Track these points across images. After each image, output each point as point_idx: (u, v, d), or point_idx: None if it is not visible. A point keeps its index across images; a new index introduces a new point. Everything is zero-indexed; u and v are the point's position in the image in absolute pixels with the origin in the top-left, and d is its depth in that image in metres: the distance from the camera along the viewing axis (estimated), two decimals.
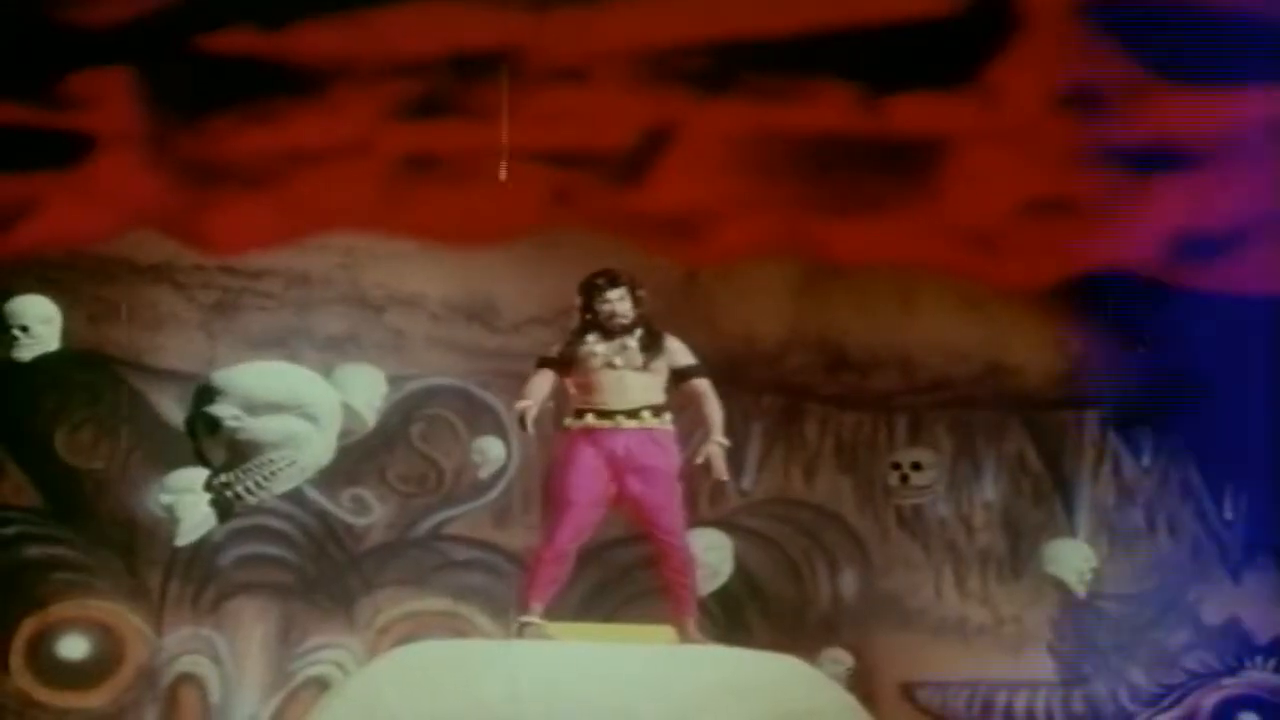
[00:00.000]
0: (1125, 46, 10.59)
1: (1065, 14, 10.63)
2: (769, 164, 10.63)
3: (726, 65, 10.62)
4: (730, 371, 7.88)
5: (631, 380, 6.97)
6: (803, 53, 10.48)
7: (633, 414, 6.89)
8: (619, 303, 6.97)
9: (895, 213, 10.58)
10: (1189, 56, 10.48)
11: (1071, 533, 10.94)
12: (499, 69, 10.19)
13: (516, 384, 7.23)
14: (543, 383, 6.97)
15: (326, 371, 9.93)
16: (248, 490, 9.33)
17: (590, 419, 6.89)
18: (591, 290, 6.99)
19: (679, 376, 7.02)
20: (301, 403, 9.28)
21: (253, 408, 9.19)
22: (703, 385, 7.04)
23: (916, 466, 10.97)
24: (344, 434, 9.57)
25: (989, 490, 10.99)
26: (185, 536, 9.88)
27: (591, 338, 6.95)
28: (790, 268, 10.64)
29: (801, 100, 10.66)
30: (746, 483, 10.75)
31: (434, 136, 10.53)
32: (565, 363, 6.99)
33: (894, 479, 10.97)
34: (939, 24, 10.49)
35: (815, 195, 10.60)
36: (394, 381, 10.49)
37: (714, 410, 7.02)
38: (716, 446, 6.99)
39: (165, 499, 9.92)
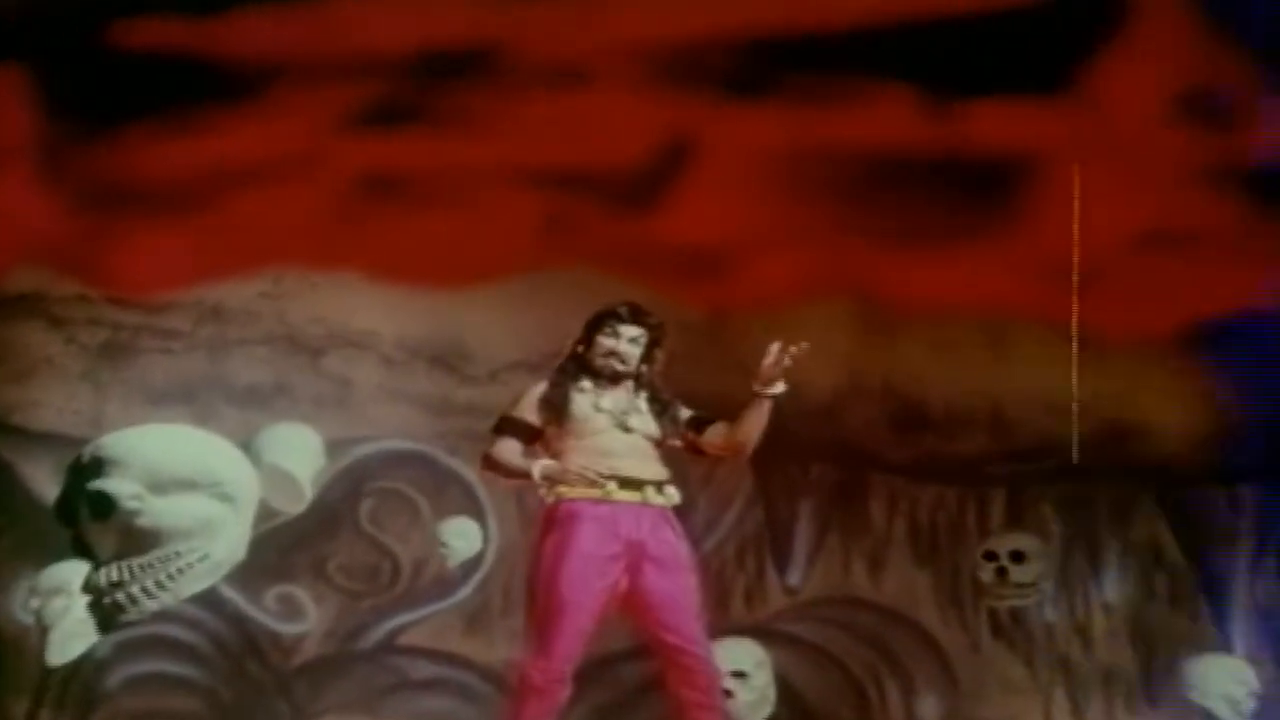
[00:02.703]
0: (1255, 44, 9.99)
1: (1182, 2, 10.06)
2: (812, 184, 9.92)
3: (759, 64, 9.92)
4: (770, 434, 6.75)
5: (645, 447, 6.24)
6: (855, 48, 9.80)
7: (659, 488, 6.20)
8: (627, 344, 6.26)
9: (971, 244, 9.82)
10: None
11: (1222, 647, 9.97)
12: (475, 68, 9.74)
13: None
14: (513, 457, 6.27)
15: (247, 434, 9.37)
16: (145, 592, 8.71)
17: (612, 487, 6.15)
18: (603, 321, 6.30)
19: (696, 426, 6.32)
20: (217, 478, 8.77)
21: (157, 484, 8.65)
22: (722, 425, 6.31)
23: (1017, 557, 9.93)
24: (270, 512, 9.08)
25: (1112, 589, 10.00)
26: (60, 653, 9.01)
27: (587, 384, 6.24)
28: (842, 308, 9.85)
29: (853, 107, 9.91)
30: (793, 578, 9.75)
31: (396, 150, 9.82)
32: (549, 417, 6.23)
33: (988, 573, 9.97)
34: (1024, 14, 9.78)
35: (870, 222, 9.87)
36: (336, 446, 9.71)
37: (741, 425, 6.27)
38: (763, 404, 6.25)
39: (34, 603, 9.11)
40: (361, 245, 9.80)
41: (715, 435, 6.34)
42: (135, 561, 8.75)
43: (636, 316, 6.38)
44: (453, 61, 9.80)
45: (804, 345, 6.23)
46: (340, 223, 9.85)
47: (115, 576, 8.76)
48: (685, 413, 6.37)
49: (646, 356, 6.36)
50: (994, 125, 9.92)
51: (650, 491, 6.24)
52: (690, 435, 6.33)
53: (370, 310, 9.84)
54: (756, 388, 6.20)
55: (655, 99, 9.93)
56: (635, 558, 6.26)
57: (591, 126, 9.84)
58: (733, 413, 6.47)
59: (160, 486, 8.69)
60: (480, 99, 9.67)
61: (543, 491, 6.24)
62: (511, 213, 9.74)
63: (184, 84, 9.73)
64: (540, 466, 6.17)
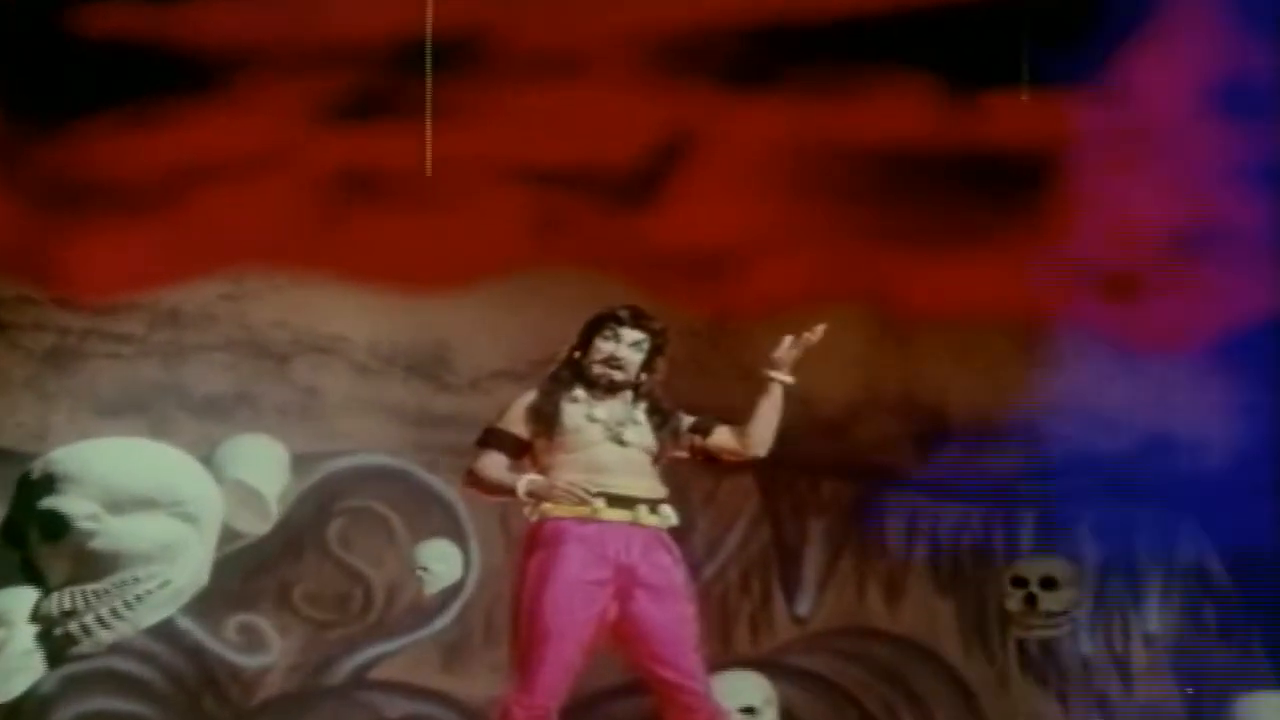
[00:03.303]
0: None
1: None
2: (821, 182, 9.80)
3: (764, 52, 9.84)
4: (778, 447, 6.60)
5: (641, 463, 6.10)
6: (866, 35, 9.71)
7: (653, 507, 6.07)
8: (628, 349, 6.13)
9: (994, 244, 9.71)
10: None
11: (1276, 682, 9.78)
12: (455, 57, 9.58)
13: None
14: (499, 472, 6.13)
15: (206, 447, 9.17)
16: (101, 622, 8.39)
17: (600, 505, 6.02)
18: (602, 323, 6.19)
19: (700, 430, 6.16)
20: (179, 496, 8.51)
21: (114, 503, 8.37)
22: (727, 428, 6.20)
23: (1049, 584, 9.77)
24: (231, 534, 8.90)
25: (1154, 619, 9.84)
26: (3, 688, 8.73)
27: (580, 393, 6.09)
28: (855, 313, 9.61)
29: (865, 98, 9.81)
30: (802, 606, 9.63)
31: (373, 145, 9.63)
32: (538, 429, 6.10)
33: (1016, 601, 9.79)
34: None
35: (885, 222, 9.77)
36: (303, 461, 9.50)
37: (755, 424, 6.16)
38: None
39: None
40: (334, 244, 9.63)
41: (723, 437, 6.20)
42: (90, 588, 8.45)
43: (639, 320, 6.24)
44: (435, 50, 9.57)
45: (819, 329, 6.11)
46: (311, 221, 9.69)
47: (68, 604, 8.48)
48: (687, 420, 6.23)
49: (647, 365, 6.20)
50: (1017, 118, 9.77)
51: (642, 511, 6.08)
52: (697, 441, 6.20)
53: (341, 313, 9.74)
54: (767, 371, 6.10)
55: (653, 90, 9.84)
56: (625, 583, 6.10)
57: (584, 119, 9.74)
58: (736, 423, 6.27)
59: (118, 505, 8.43)
60: (464, 90, 9.51)
61: (528, 510, 6.10)
62: (497, 211, 9.66)
63: (145, 73, 9.59)
64: (526, 482, 5.99)
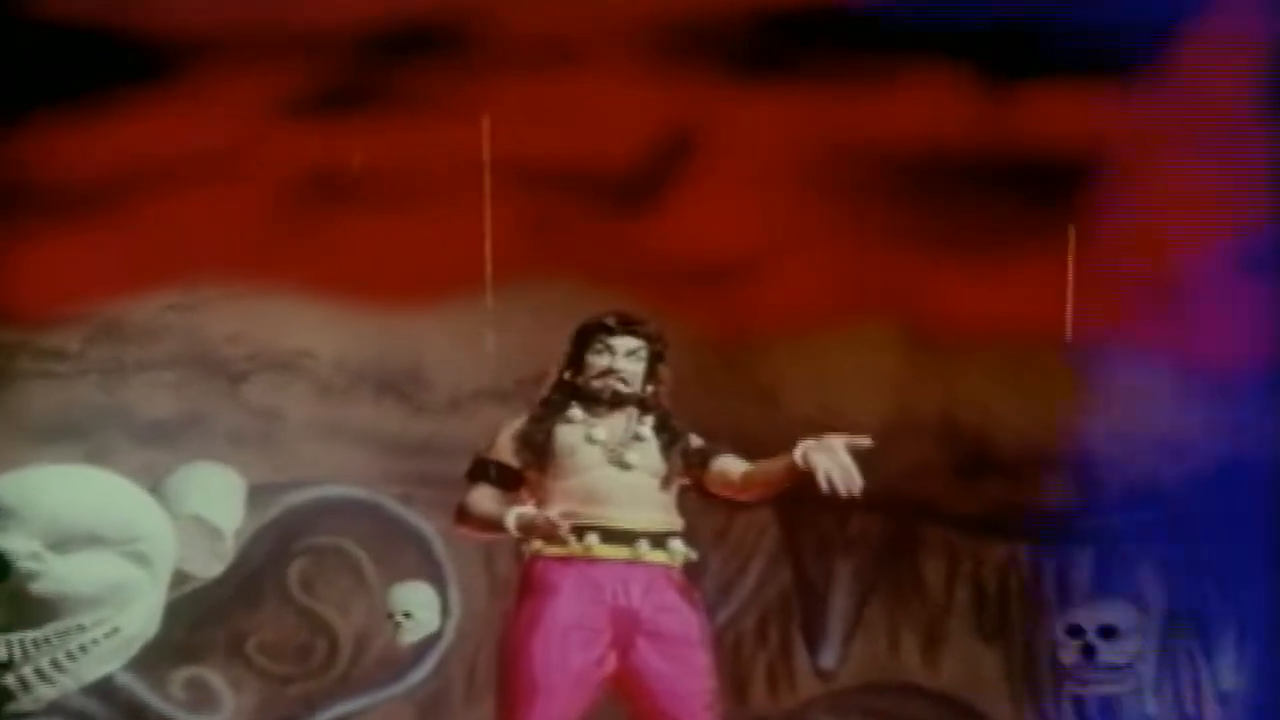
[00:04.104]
0: None
1: None
2: (843, 182, 9.48)
3: (777, 39, 9.60)
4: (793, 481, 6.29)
5: (648, 489, 5.84)
6: (891, 20, 9.43)
7: (658, 541, 5.80)
8: (625, 360, 5.92)
9: (1039, 252, 9.39)
10: None
11: None
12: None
13: (456, 496, 5.98)
14: (489, 506, 5.90)
15: (151, 477, 8.19)
16: (41, 675, 6.92)
17: (593, 541, 5.77)
18: (592, 334, 5.99)
19: (701, 458, 5.93)
20: (132, 533, 6.99)
21: (59, 541, 6.87)
22: (734, 460, 5.92)
23: (1108, 633, 9.38)
24: (178, 577, 6.92)
25: (1229, 674, 9.40)
26: None
27: (577, 413, 5.88)
28: (886, 327, 9.40)
29: (890, 90, 9.51)
30: (828, 658, 9.29)
31: (343, 142, 9.35)
32: (529, 458, 5.89)
33: (1071, 653, 9.36)
34: None
35: (916, 227, 9.43)
36: (260, 493, 8.94)
37: (763, 467, 5.86)
38: (812, 454, 5.65)
39: None
40: (297, 249, 9.33)
41: (724, 470, 5.91)
42: (29, 636, 6.97)
43: (629, 326, 6.01)
44: (412, 37, 9.40)
45: (866, 442, 5.75)
46: (272, 223, 9.36)
47: (3, 655, 7.64)
48: (696, 442, 5.98)
49: (650, 375, 5.98)
50: (1060, 112, 9.41)
51: (643, 546, 5.80)
52: (694, 470, 5.94)
53: (305, 325, 9.40)
54: (802, 448, 5.71)
55: (655, 80, 9.54)
56: (625, 630, 5.83)
57: (579, 112, 9.44)
58: (751, 451, 6.01)
59: (62, 543, 7.28)
60: (445, 80, 9.27)
61: (524, 547, 5.89)
62: (481, 215, 9.29)
63: (91, 63, 9.32)
64: (515, 516, 5.71)
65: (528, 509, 5.83)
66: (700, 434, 6.06)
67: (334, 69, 9.50)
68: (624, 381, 5.94)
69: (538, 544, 5.76)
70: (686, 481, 6.00)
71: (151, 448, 9.21)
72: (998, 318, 9.44)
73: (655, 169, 9.59)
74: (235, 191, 9.46)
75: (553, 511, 5.71)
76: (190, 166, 9.37)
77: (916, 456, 9.51)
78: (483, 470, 5.98)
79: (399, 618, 8.86)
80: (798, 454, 5.71)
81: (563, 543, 5.73)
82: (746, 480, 5.92)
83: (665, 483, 5.88)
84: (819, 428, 7.29)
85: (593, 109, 9.48)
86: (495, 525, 5.87)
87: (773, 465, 5.85)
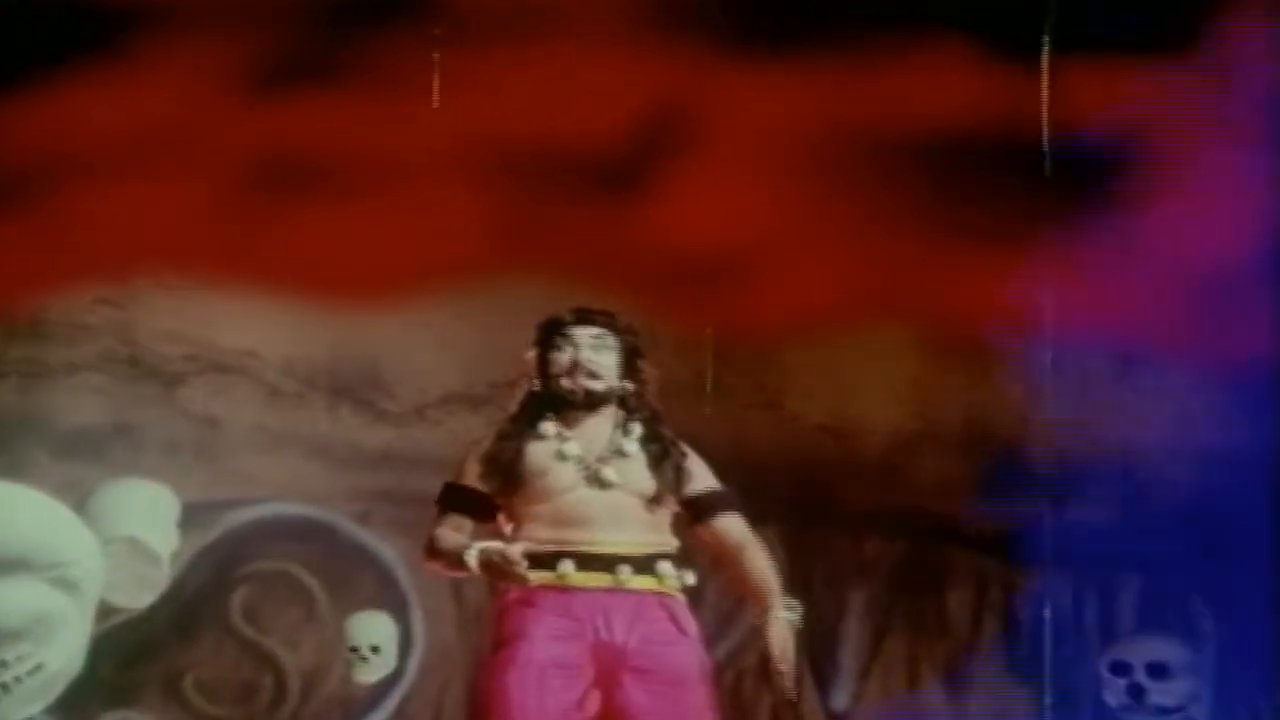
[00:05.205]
0: None
1: None
2: (854, 168, 9.15)
3: (780, 9, 9.30)
4: (809, 494, 6.98)
5: (630, 509, 5.47)
6: None
7: (643, 565, 5.46)
8: (590, 351, 5.57)
9: (1072, 244, 9.06)
10: None
11: None
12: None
13: (421, 515, 5.62)
14: (455, 541, 5.53)
15: (74, 495, 8.53)
16: None
17: (567, 569, 5.43)
18: (550, 333, 5.63)
19: (696, 510, 5.58)
20: (57, 557, 8.15)
21: None
22: (737, 525, 5.64)
23: (1158, 671, 9.00)
24: (107, 607, 8.28)
25: None
26: None
27: (549, 427, 5.51)
28: (902, 327, 9.03)
29: (908, 67, 9.19)
30: (840, 698, 9.02)
31: (297, 121, 9.02)
32: (497, 483, 5.53)
33: (1117, 693, 9.05)
34: None
35: (933, 218, 9.12)
36: (198, 512, 8.75)
37: (761, 564, 5.62)
38: (780, 628, 5.53)
39: None
40: (242, 240, 8.87)
41: (723, 533, 5.60)
42: None
43: (587, 317, 5.70)
44: (372, 4, 9.07)
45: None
46: (214, 210, 8.92)
47: None
48: (697, 470, 5.63)
49: (628, 370, 5.63)
50: (1090, 92, 9.09)
51: (625, 571, 5.49)
52: (689, 515, 5.62)
53: (250, 323, 8.99)
54: (766, 616, 5.57)
55: (642, 52, 9.16)
56: (609, 667, 5.52)
57: (558, 89, 9.10)
58: (753, 463, 6.44)
59: None
60: (411, 55, 8.89)
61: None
62: (451, 202, 9.02)
63: (17, 34, 8.89)
64: (477, 552, 5.39)
65: (491, 544, 5.51)
66: (695, 445, 5.73)
67: (283, 41, 9.11)
68: (593, 375, 5.60)
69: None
70: (679, 509, 5.70)
71: (73, 461, 8.91)
72: (1026, 318, 9.10)
73: (643, 151, 9.22)
74: (173, 174, 9.13)
75: (516, 546, 5.40)
76: (123, 146, 8.98)
77: (939, 470, 9.26)
78: (452, 497, 5.69)
79: (364, 652, 8.74)
80: (765, 613, 5.54)
81: (522, 581, 5.43)
82: (735, 557, 5.62)
83: (654, 503, 5.57)
84: (830, 436, 7.54)
85: (573, 84, 9.16)
86: (456, 562, 5.58)
87: (755, 580, 5.59)
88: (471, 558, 5.47)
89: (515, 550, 5.44)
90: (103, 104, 9.00)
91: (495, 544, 5.52)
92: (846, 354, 9.34)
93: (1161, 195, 9.21)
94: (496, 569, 5.48)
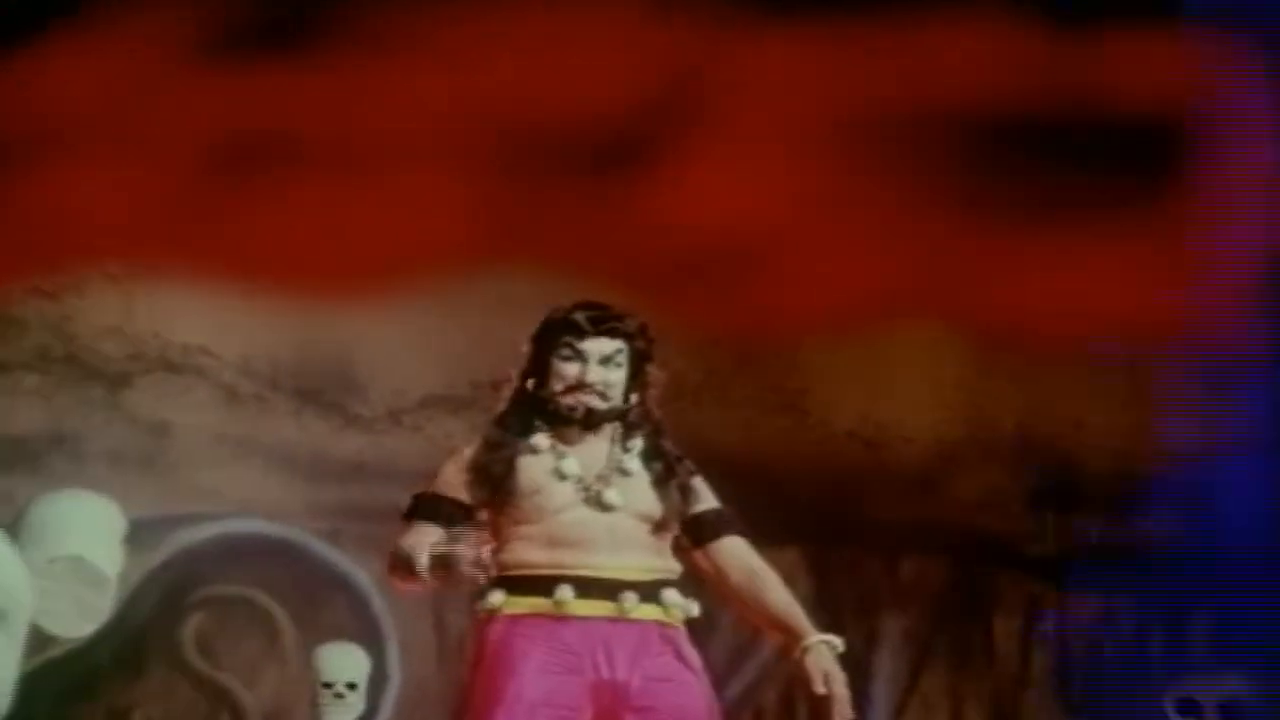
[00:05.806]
0: None
1: None
2: (882, 147, 8.81)
3: None
4: (837, 510, 6.66)
5: (632, 531, 5.06)
6: None
7: (648, 593, 5.07)
8: (600, 368, 5.11)
9: (1127, 233, 8.66)
10: None
11: None
12: None
13: (397, 533, 5.00)
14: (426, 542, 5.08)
15: (10, 509, 8.00)
16: None
17: (566, 595, 5.04)
18: (557, 334, 5.13)
19: (698, 531, 5.14)
20: None
21: None
22: (744, 549, 5.17)
23: (1231, 710, 8.51)
24: (42, 638, 7.69)
25: None
26: None
27: (542, 440, 5.11)
28: (943, 323, 8.61)
29: (945, 34, 8.85)
30: None
31: (262, 94, 8.64)
32: (485, 494, 5.07)
33: None
34: None
35: (976, 202, 8.76)
36: (146, 529, 8.17)
37: (782, 592, 5.16)
38: (820, 655, 4.96)
39: None
40: (198, 227, 8.45)
41: (731, 558, 5.19)
42: None
43: (603, 324, 5.22)
44: None
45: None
46: (167, 194, 8.52)
47: None
48: (699, 491, 5.21)
49: (635, 381, 5.17)
50: (1148, 63, 8.74)
51: (629, 599, 5.09)
52: (690, 538, 5.21)
53: (203, 317, 8.55)
54: (801, 652, 5.09)
55: (650, 17, 8.85)
56: (609, 707, 5.11)
57: (552, 58, 8.78)
58: (773, 472, 6.23)
59: None
60: (391, 20, 8.60)
61: (479, 603, 5.15)
62: (432, 182, 8.67)
63: None
64: (428, 552, 4.92)
65: (443, 546, 5.02)
66: (707, 454, 5.28)
67: (251, 5, 8.74)
68: (600, 395, 5.20)
69: (496, 599, 4.99)
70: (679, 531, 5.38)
71: (9, 472, 8.61)
72: (1083, 312, 8.75)
73: (648, 126, 8.92)
74: (118, 151, 8.78)
75: (485, 550, 4.92)
76: (62, 122, 8.61)
77: (985, 484, 8.97)
78: (424, 507, 5.22)
79: (340, 689, 7.84)
80: (803, 647, 5.07)
81: (473, 581, 4.95)
82: (747, 585, 5.20)
83: (659, 527, 5.16)
84: (859, 444, 7.25)
85: (572, 52, 8.84)
86: (411, 572, 5.14)
87: (777, 610, 5.18)
88: (422, 561, 5.02)
89: (486, 553, 4.97)
90: (40, 77, 8.70)
91: (445, 546, 5.06)
92: (878, 352, 8.95)
93: (1229, 177, 8.80)
94: (451, 574, 5.00)
